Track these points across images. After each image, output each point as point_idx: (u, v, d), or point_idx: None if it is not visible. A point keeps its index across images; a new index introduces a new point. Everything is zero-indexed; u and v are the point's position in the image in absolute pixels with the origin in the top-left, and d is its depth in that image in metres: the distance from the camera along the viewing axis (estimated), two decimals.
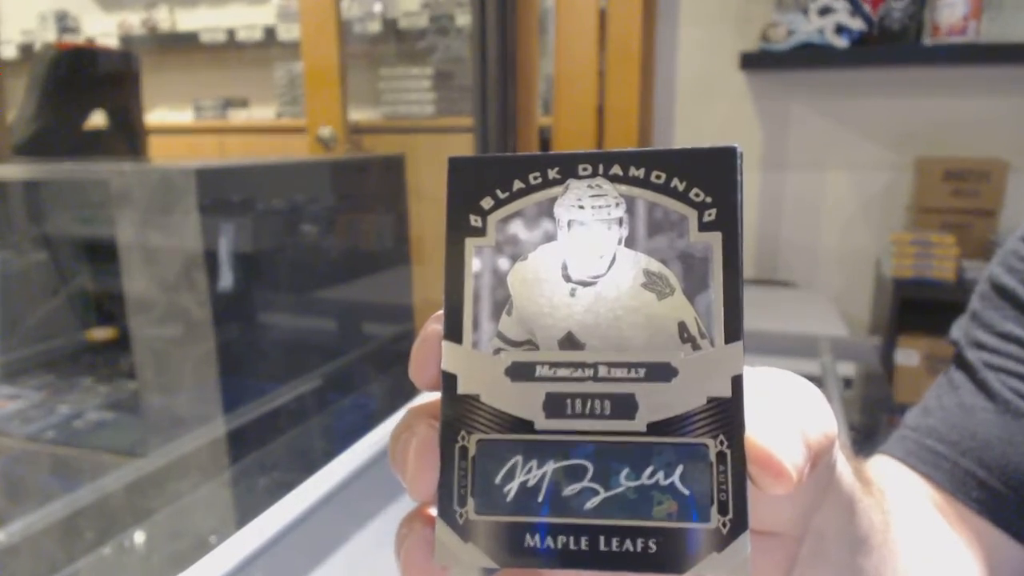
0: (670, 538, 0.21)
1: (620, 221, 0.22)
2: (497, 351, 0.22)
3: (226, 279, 1.05)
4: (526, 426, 0.22)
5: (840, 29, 1.88)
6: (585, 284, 0.22)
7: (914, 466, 0.48)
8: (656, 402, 0.21)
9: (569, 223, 0.22)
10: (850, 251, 2.10)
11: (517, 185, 0.23)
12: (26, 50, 2.97)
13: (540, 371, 0.22)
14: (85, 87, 1.60)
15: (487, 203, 0.23)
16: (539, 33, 1.77)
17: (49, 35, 3.11)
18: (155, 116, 3.05)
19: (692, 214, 0.22)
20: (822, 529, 0.27)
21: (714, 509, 0.20)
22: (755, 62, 1.99)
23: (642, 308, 0.22)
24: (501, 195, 0.23)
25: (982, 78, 1.92)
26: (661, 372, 0.21)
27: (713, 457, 0.21)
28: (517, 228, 0.23)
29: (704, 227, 0.22)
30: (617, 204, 0.22)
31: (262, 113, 3.03)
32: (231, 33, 2.90)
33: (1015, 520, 0.45)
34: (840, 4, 1.87)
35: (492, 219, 0.23)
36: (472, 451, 0.22)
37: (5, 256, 1.34)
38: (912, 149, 1.99)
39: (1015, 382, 0.46)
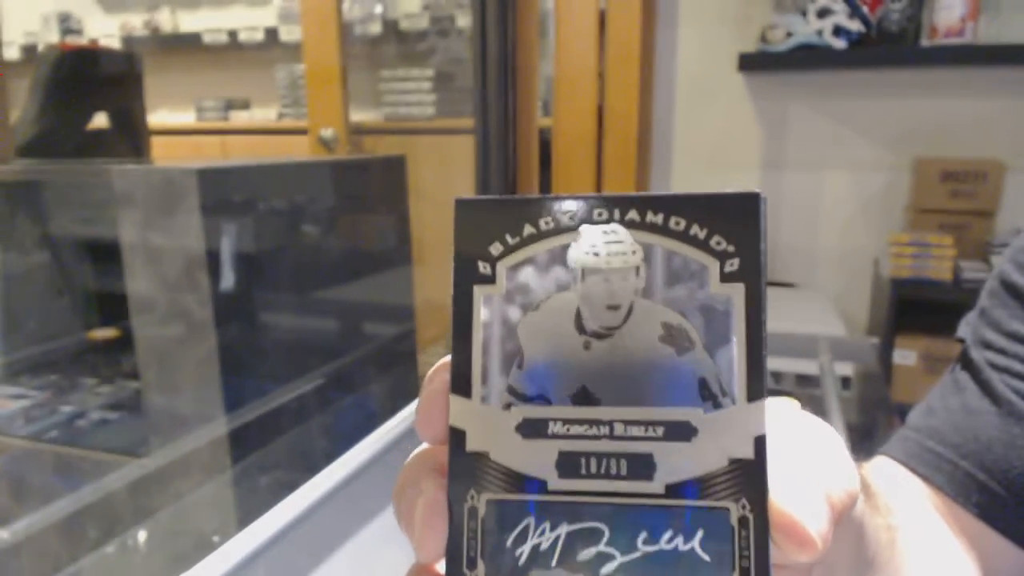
0: None
1: (637, 270, 0.21)
2: (507, 406, 0.21)
3: (228, 279, 1.05)
4: (538, 486, 0.21)
5: (838, 30, 1.88)
6: (600, 336, 0.21)
7: (915, 468, 0.47)
8: (675, 463, 0.20)
9: (583, 271, 0.21)
10: (848, 251, 2.11)
11: (528, 230, 0.22)
12: (29, 51, 2.97)
13: (553, 428, 0.21)
14: (88, 88, 1.60)
15: (496, 249, 0.22)
16: (539, 34, 1.78)
17: (52, 36, 3.11)
18: (157, 117, 3.05)
19: (713, 264, 0.21)
20: (832, 558, 0.27)
21: None
22: (754, 63, 2.00)
23: (660, 363, 0.21)
24: (511, 240, 0.22)
25: (980, 79, 1.93)
26: (680, 431, 0.20)
27: (735, 522, 0.20)
28: (528, 276, 0.22)
29: (726, 278, 0.21)
30: (634, 252, 0.21)
31: (264, 114, 3.04)
32: (233, 34, 2.91)
33: (1014, 524, 0.45)
34: (838, 6, 1.88)
35: (502, 266, 0.22)
36: (482, 512, 0.21)
37: (9, 256, 1.34)
38: (910, 150, 1.99)
39: (1019, 383, 0.46)
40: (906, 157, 2.00)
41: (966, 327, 0.52)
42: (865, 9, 1.88)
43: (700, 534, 0.20)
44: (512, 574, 0.21)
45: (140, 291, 1.04)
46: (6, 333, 1.35)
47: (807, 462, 0.22)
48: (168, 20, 3.09)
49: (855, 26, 1.88)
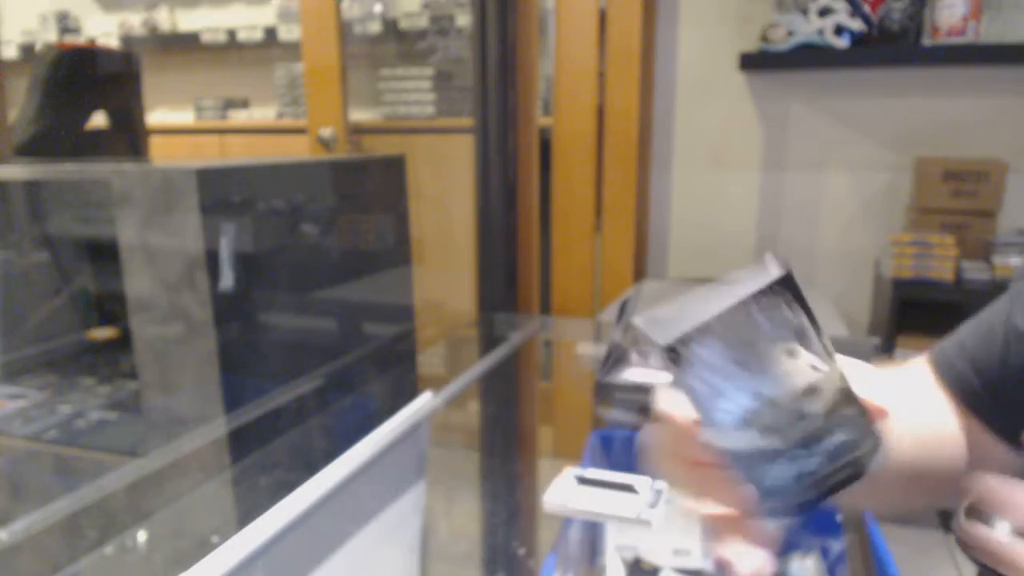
0: None
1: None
2: None
3: (227, 279, 1.05)
4: None
5: (840, 30, 1.88)
6: None
7: (935, 364, 0.58)
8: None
9: None
10: (849, 251, 2.11)
11: None
12: (27, 50, 2.98)
13: None
14: (86, 87, 1.60)
15: None
16: (539, 33, 1.78)
17: (50, 35, 3.11)
18: (156, 116, 3.05)
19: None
20: None
21: None
22: (755, 62, 1.99)
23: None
24: None
25: (981, 79, 1.92)
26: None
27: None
28: None
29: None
30: None
31: (263, 113, 3.04)
32: (232, 34, 2.90)
33: (986, 412, 0.53)
34: (840, 5, 1.87)
35: None
36: None
37: (7, 256, 1.34)
38: (911, 149, 1.99)
39: None
40: (907, 157, 2.00)
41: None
42: (867, 8, 1.88)
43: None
44: None
45: (139, 291, 1.04)
46: (5, 333, 1.35)
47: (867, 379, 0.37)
48: (167, 19, 3.09)
49: (856, 25, 1.87)
